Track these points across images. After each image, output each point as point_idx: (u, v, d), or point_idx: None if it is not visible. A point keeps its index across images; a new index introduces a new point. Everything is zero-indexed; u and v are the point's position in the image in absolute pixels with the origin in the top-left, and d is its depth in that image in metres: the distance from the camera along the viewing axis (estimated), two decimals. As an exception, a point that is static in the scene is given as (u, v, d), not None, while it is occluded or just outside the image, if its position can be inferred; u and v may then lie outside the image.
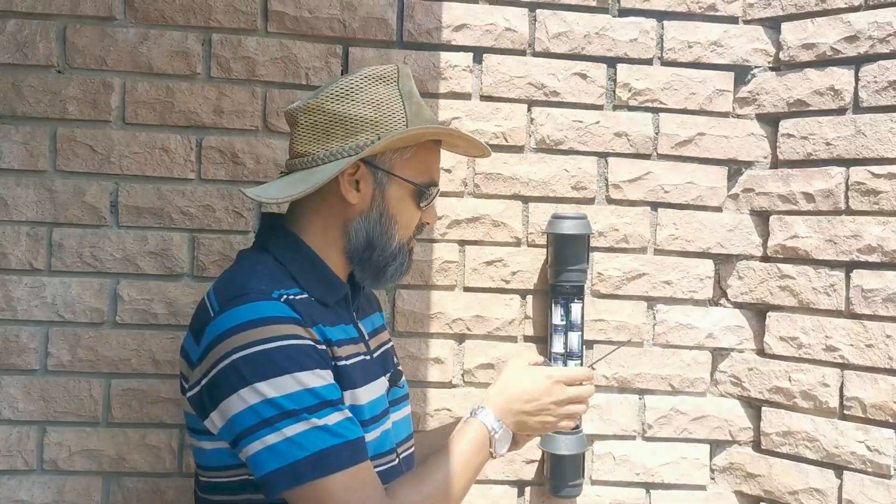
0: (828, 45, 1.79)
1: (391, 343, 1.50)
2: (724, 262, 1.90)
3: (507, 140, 1.85)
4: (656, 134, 1.88)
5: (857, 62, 1.75)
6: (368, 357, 1.35)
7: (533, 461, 1.85)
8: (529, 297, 1.86)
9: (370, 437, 1.27)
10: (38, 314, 1.71)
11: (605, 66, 1.87)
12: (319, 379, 1.18)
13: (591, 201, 1.87)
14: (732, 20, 1.89)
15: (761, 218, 1.89)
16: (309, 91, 1.78)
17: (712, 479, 1.89)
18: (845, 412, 1.74)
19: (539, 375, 1.38)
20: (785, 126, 1.85)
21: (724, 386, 1.90)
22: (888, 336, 1.68)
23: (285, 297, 1.22)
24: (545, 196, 1.86)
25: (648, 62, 1.88)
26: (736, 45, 1.89)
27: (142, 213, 1.74)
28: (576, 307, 1.80)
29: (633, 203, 1.88)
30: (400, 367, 1.47)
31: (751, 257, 1.89)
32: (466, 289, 1.84)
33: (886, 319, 1.69)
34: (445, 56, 1.83)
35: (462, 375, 1.84)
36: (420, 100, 1.36)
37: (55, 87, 1.72)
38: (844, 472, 1.73)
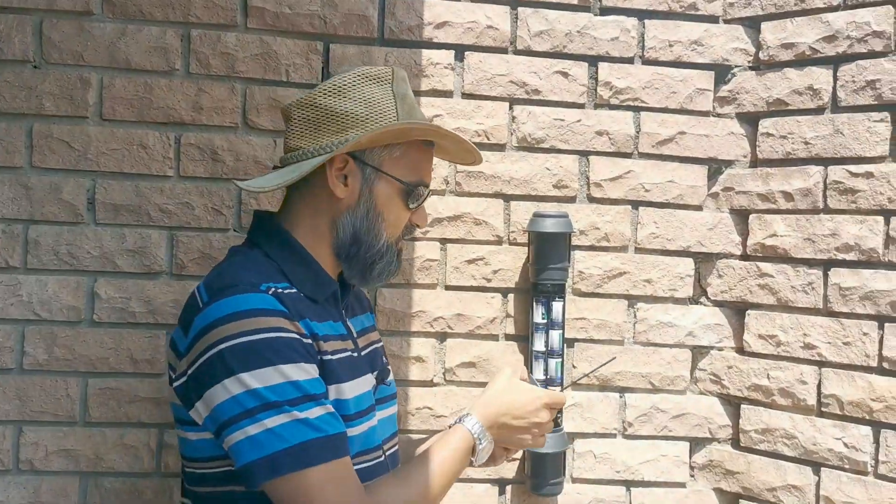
0: (807, 44, 1.80)
1: (381, 343, 1.51)
2: (704, 260, 1.91)
3: (488, 138, 1.84)
4: (637, 133, 1.89)
5: (835, 62, 1.77)
6: (356, 354, 1.36)
7: (514, 459, 1.85)
8: (511, 296, 1.86)
9: (356, 431, 1.28)
10: (14, 312, 1.69)
11: (586, 64, 1.87)
12: (303, 372, 1.18)
13: (572, 200, 1.88)
14: (713, 19, 1.90)
15: (741, 217, 1.90)
16: (288, 88, 1.77)
17: (692, 476, 1.90)
18: (823, 409, 1.75)
19: (532, 395, 1.40)
20: (764, 125, 1.86)
21: (703, 384, 1.91)
22: (865, 334, 1.70)
23: (273, 289, 1.23)
24: (526, 194, 1.86)
25: (630, 61, 1.88)
26: (716, 45, 1.89)
27: (119, 210, 1.72)
28: (557, 305, 1.80)
29: (614, 202, 1.88)
30: (389, 367, 1.48)
31: (730, 256, 1.90)
32: (448, 287, 1.84)
33: (863, 317, 1.70)
34: (427, 54, 1.82)
35: (443, 374, 1.84)
36: (414, 103, 1.38)
37: (31, 82, 1.69)
38: (822, 468, 1.74)
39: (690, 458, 1.90)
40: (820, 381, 1.76)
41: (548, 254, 1.79)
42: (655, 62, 1.89)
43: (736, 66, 1.90)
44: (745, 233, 1.89)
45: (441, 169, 1.83)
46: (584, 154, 1.88)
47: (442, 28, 1.82)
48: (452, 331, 1.84)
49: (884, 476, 1.66)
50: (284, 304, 1.22)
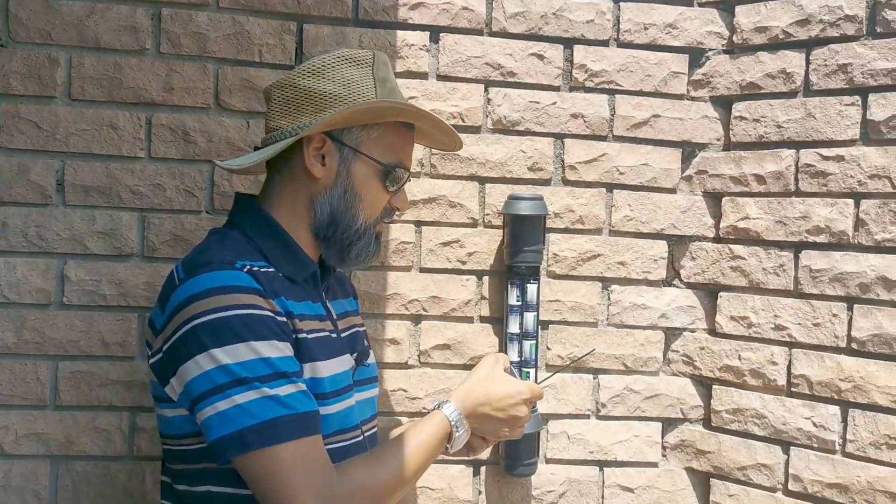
0: (780, 28, 1.81)
1: (363, 328, 1.53)
2: (678, 243, 1.93)
3: (463, 120, 1.84)
4: (612, 115, 1.89)
5: (808, 46, 1.78)
6: (334, 335, 1.37)
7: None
8: (486, 278, 1.86)
9: (332, 409, 1.29)
10: (-18, 295, 1.67)
11: (561, 46, 1.87)
12: (275, 350, 1.19)
13: (547, 182, 1.88)
14: (687, 2, 1.90)
15: (714, 199, 1.91)
16: (261, 68, 1.75)
17: (664, 456, 1.93)
18: (793, 390, 1.78)
19: (514, 388, 1.40)
20: (738, 108, 1.88)
21: (676, 365, 1.93)
22: (834, 315, 1.72)
23: (248, 267, 1.24)
24: (502, 177, 1.86)
25: (605, 44, 1.88)
26: (690, 28, 1.90)
27: (89, 191, 1.70)
28: (531, 288, 1.80)
29: (588, 184, 1.89)
30: (370, 350, 1.48)
31: (703, 238, 1.92)
32: (423, 269, 1.84)
33: (833, 299, 1.73)
34: (402, 35, 1.81)
35: (418, 356, 1.84)
36: (395, 87, 1.38)
37: (-3, 60, 1.66)
38: (791, 447, 1.77)
39: (663, 438, 1.92)
40: (790, 362, 1.78)
41: (522, 236, 1.79)
42: (630, 45, 1.89)
43: (710, 50, 1.91)
44: (717, 215, 1.90)
45: (416, 151, 1.82)
46: (560, 137, 1.88)
47: (417, 9, 1.81)
48: (427, 313, 1.84)
49: (851, 454, 1.69)
50: (259, 282, 1.22)
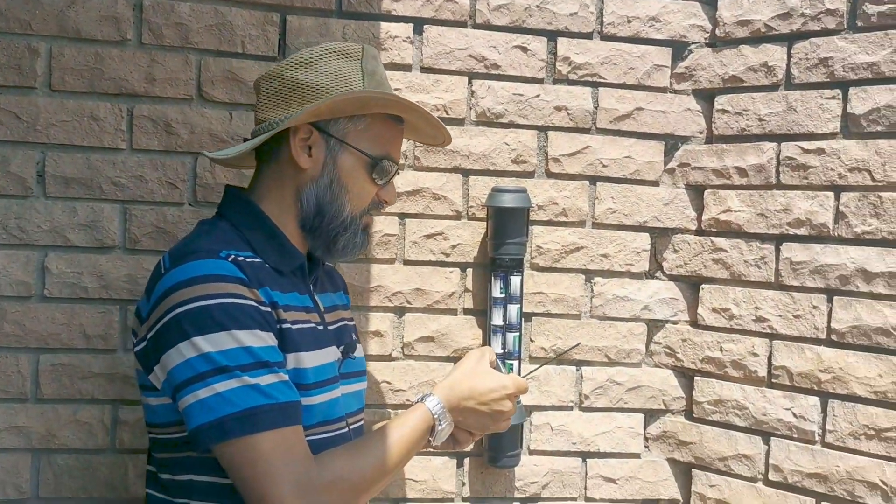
0: (762, 21, 1.82)
1: (353, 322, 1.52)
2: (660, 235, 1.94)
3: (447, 112, 1.84)
4: (595, 108, 1.90)
5: (789, 39, 1.79)
6: (320, 327, 1.37)
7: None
8: (469, 271, 1.86)
9: (316, 400, 1.29)
10: (-39, 288, 1.65)
11: (545, 39, 1.87)
12: (257, 339, 1.19)
13: (530, 175, 1.88)
14: (670, -4, 1.91)
15: (696, 192, 1.93)
16: (244, 59, 1.74)
17: (646, 447, 1.94)
18: (773, 381, 1.79)
19: (499, 383, 1.39)
20: (720, 101, 1.89)
21: (658, 357, 1.94)
22: (815, 307, 1.74)
23: (233, 257, 1.24)
24: (485, 169, 1.86)
25: (588, 36, 1.89)
26: (674, 21, 1.91)
27: (70, 183, 1.68)
28: (515, 280, 1.81)
29: (571, 177, 1.89)
30: (358, 344, 1.48)
31: (686, 231, 1.93)
32: (406, 262, 1.84)
33: (813, 291, 1.74)
34: (385, 26, 1.80)
35: (402, 349, 1.84)
36: (384, 81, 1.38)
37: (-24, 51, 1.64)
38: (772, 438, 1.79)
39: (645, 429, 1.94)
40: (771, 354, 1.80)
41: (506, 229, 1.79)
42: (614, 38, 1.89)
43: (693, 43, 1.91)
44: (700, 208, 1.92)
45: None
46: (543, 129, 1.88)
47: (400, 1, 1.81)
48: (411, 305, 1.84)
49: (830, 445, 1.71)
50: (244, 272, 1.23)
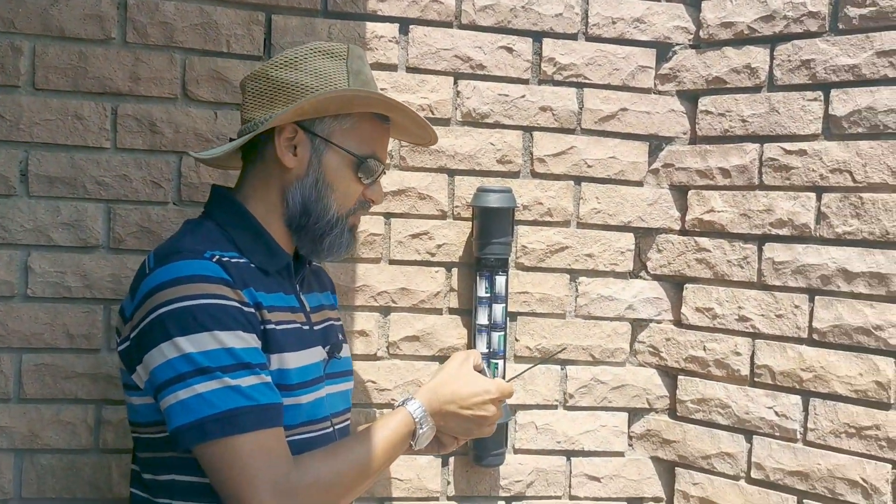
0: (745, 23, 1.83)
1: (339, 322, 1.52)
2: (645, 235, 1.95)
3: (433, 112, 1.84)
4: (580, 109, 1.91)
5: (772, 41, 1.81)
6: (307, 327, 1.37)
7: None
8: (455, 270, 1.87)
9: (299, 400, 1.28)
10: (-57, 287, 1.64)
11: (530, 40, 1.88)
12: (240, 340, 1.19)
13: (516, 175, 1.89)
14: (655, -3, 1.92)
15: (680, 192, 1.94)
16: (229, 59, 1.74)
17: (630, 445, 1.95)
18: (756, 380, 1.81)
19: (482, 387, 1.38)
20: (703, 103, 1.90)
21: (642, 356, 1.95)
22: (796, 306, 1.76)
23: (217, 257, 1.24)
24: (471, 169, 1.87)
25: (573, 37, 1.90)
26: (658, 23, 1.92)
27: (54, 182, 1.68)
28: (500, 280, 1.81)
29: (556, 177, 1.90)
30: (345, 344, 1.47)
31: (670, 231, 1.94)
32: (392, 261, 1.84)
33: (795, 290, 1.76)
34: (371, 26, 1.81)
35: (387, 348, 1.84)
36: (370, 80, 1.38)
37: (-42, 48, 1.63)
38: (754, 436, 1.80)
39: (629, 427, 1.95)
40: (753, 353, 1.81)
41: (491, 228, 1.80)
42: (599, 39, 1.90)
43: (677, 44, 1.93)
44: (683, 208, 1.93)
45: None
46: (528, 130, 1.89)
47: (386, 1, 1.81)
48: (396, 305, 1.84)
49: (811, 443, 1.73)
50: (228, 272, 1.23)
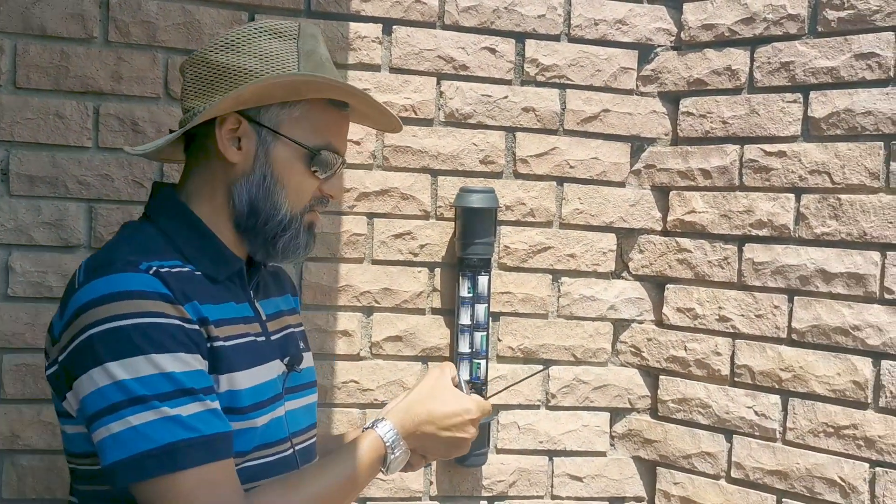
0: (726, 26, 1.85)
1: (301, 328, 1.39)
2: (627, 236, 1.96)
3: (416, 113, 1.85)
4: (563, 110, 1.92)
5: (752, 43, 1.82)
6: (262, 339, 1.24)
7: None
8: (437, 270, 1.87)
9: (255, 423, 1.16)
10: (-77, 287, 1.63)
11: (513, 40, 1.89)
12: (180, 363, 1.06)
13: (498, 175, 1.90)
14: (637, -1, 1.94)
15: (662, 193, 1.95)
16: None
17: (612, 445, 1.96)
18: (736, 379, 1.82)
19: (461, 406, 1.26)
20: (685, 104, 1.91)
21: (624, 356, 1.96)
22: (776, 307, 1.77)
23: (155, 269, 1.11)
24: (454, 170, 1.87)
25: (556, 38, 1.91)
26: (640, 24, 1.93)
27: (35, 181, 1.67)
28: (483, 280, 1.82)
29: (539, 177, 1.91)
30: (304, 353, 1.33)
31: (651, 231, 1.95)
32: (375, 261, 1.84)
33: (774, 291, 1.77)
34: (354, 27, 1.81)
35: (370, 348, 1.85)
36: (324, 61, 1.23)
37: (-62, 47, 1.63)
38: (734, 436, 1.82)
39: (611, 427, 1.96)
40: (733, 353, 1.83)
41: (474, 229, 1.81)
42: (581, 40, 1.91)
43: (659, 46, 1.94)
44: (665, 209, 1.94)
45: (368, 143, 1.83)
46: (511, 130, 1.90)
47: (369, 1, 1.81)
48: (379, 305, 1.84)
49: (790, 442, 1.74)
50: (168, 286, 1.10)
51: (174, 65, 1.72)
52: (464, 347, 1.82)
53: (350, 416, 1.83)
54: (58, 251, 1.68)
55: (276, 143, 1.19)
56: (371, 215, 1.84)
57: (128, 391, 1.04)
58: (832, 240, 1.70)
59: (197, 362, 1.09)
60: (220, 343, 1.14)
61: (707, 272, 1.87)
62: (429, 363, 1.87)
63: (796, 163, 1.75)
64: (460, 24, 1.86)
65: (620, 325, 1.96)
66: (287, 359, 1.27)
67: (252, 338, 1.21)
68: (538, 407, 1.92)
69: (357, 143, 1.82)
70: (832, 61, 1.71)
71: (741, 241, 1.83)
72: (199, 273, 1.18)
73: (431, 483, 1.88)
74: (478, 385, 1.83)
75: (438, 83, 1.86)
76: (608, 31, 1.92)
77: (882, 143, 1.65)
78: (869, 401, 1.65)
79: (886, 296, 1.63)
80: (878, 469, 1.63)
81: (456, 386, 1.32)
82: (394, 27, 1.83)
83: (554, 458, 1.92)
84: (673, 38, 1.93)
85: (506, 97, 1.89)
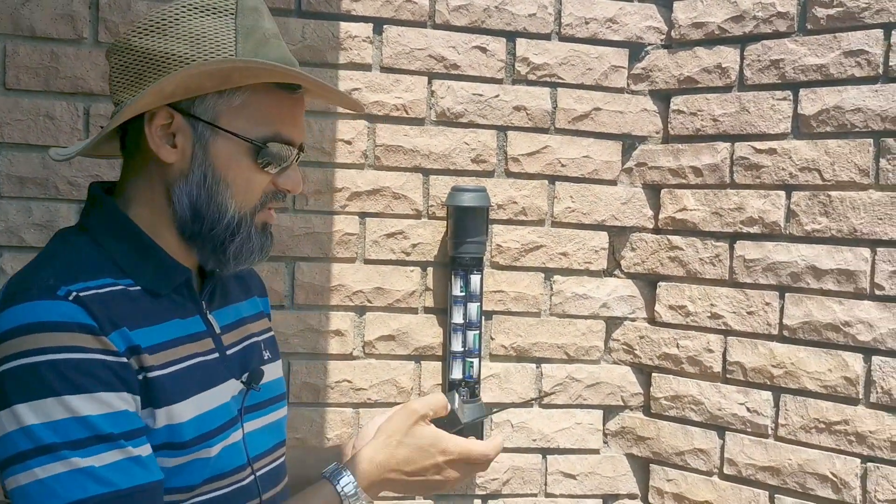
0: (716, 24, 1.85)
1: (268, 335, 1.23)
2: (618, 234, 1.97)
3: (407, 112, 1.85)
4: (554, 108, 1.92)
5: (742, 41, 1.83)
6: (216, 356, 1.10)
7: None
8: (430, 269, 1.88)
9: (207, 453, 1.04)
10: (-87, 289, 1.63)
11: (504, 39, 1.89)
12: (98, 405, 0.94)
13: (490, 174, 1.90)
14: (627, -2, 1.94)
15: (653, 191, 1.96)
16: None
17: (605, 443, 1.97)
18: (728, 376, 1.83)
19: (435, 449, 1.11)
20: (676, 102, 1.92)
21: (616, 354, 1.97)
22: (767, 304, 1.78)
23: (76, 293, 0.97)
24: (445, 169, 1.87)
25: (547, 37, 1.91)
26: (630, 23, 1.93)
27: (25, 183, 1.67)
28: (475, 278, 1.82)
29: (531, 176, 1.91)
30: (269, 365, 1.19)
31: (643, 229, 1.96)
32: (367, 261, 1.84)
33: (766, 288, 1.78)
34: (345, 26, 1.81)
35: (363, 347, 1.85)
36: (267, 39, 1.06)
37: (-73, 48, 1.62)
38: (726, 432, 1.82)
39: (604, 425, 1.96)
40: (725, 350, 1.83)
41: (466, 228, 1.81)
42: (572, 39, 1.92)
43: (649, 44, 1.94)
44: (656, 207, 1.95)
45: (360, 143, 1.83)
46: (503, 129, 1.90)
47: (360, 0, 1.81)
48: (371, 304, 1.84)
49: (782, 438, 1.75)
50: (90, 313, 0.96)
51: (165, 65, 1.72)
52: (456, 346, 1.82)
53: (343, 416, 1.83)
54: (49, 252, 1.68)
55: (215, 138, 1.04)
56: (363, 215, 1.84)
57: (35, 439, 0.92)
58: (823, 237, 1.71)
59: (121, 402, 0.96)
60: (157, 373, 1.00)
61: (699, 270, 1.87)
62: (420, 362, 1.87)
63: (787, 160, 1.76)
64: (451, 24, 1.86)
65: (613, 323, 1.97)
66: (246, 375, 1.13)
67: (200, 358, 1.07)
68: (531, 405, 1.92)
69: (348, 142, 1.82)
70: (822, 59, 1.72)
71: (732, 238, 1.83)
72: (138, 288, 1.04)
73: (425, 482, 1.88)
74: (471, 384, 1.83)
75: (430, 82, 1.86)
76: (599, 29, 1.92)
77: (871, 140, 1.66)
78: (860, 396, 1.66)
79: (877, 292, 1.64)
80: (869, 464, 1.64)
81: (448, 415, 1.15)
82: (384, 27, 1.83)
83: (547, 456, 1.93)
84: (663, 37, 1.94)
85: (497, 96, 1.89)
